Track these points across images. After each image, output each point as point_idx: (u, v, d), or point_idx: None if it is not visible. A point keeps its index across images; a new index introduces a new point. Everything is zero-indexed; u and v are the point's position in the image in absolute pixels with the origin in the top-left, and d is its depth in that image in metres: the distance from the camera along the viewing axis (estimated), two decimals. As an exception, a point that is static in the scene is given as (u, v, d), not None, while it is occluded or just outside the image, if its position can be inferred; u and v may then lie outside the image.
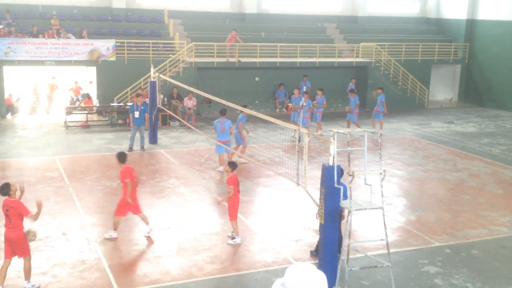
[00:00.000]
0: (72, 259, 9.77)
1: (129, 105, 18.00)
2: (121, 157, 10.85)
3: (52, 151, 17.31)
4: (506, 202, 13.85)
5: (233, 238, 10.69)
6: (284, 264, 9.79)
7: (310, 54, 26.06)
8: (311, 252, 10.24)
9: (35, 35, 22.09)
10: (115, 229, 10.78)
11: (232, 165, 10.86)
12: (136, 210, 10.83)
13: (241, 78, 25.50)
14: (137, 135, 17.66)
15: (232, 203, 10.63)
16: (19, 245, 8.60)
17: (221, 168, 15.31)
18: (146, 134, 18.96)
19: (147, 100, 19.54)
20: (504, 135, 22.00)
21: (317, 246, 10.10)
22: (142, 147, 17.66)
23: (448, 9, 31.42)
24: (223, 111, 15.33)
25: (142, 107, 17.40)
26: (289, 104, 21.29)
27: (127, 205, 10.67)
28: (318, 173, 9.88)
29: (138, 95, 18.06)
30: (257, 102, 25.18)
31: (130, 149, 17.44)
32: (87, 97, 22.84)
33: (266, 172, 15.21)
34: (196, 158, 17.02)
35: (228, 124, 15.20)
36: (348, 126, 20.96)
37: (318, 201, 9.11)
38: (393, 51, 28.03)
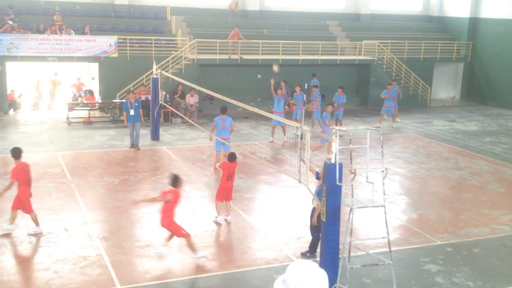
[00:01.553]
0: (74, 255, 9.79)
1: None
2: (15, 153, 10.71)
3: (54, 147, 17.34)
4: (508, 200, 13.84)
5: (216, 217, 11.60)
6: (285, 262, 9.81)
7: (313, 51, 26.03)
8: (303, 253, 10.18)
9: (41, 32, 22.10)
10: (11, 222, 10.70)
11: (231, 155, 11.63)
12: (28, 209, 10.65)
13: (243, 75, 25.49)
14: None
15: (221, 186, 11.63)
16: (173, 230, 9.70)
17: (218, 164, 15.24)
18: (148, 131, 18.99)
19: (149, 97, 19.55)
20: (506, 133, 21.97)
21: (309, 247, 10.09)
22: (136, 145, 17.34)
23: (451, 7, 31.34)
24: (224, 109, 15.20)
25: (136, 104, 17.29)
26: (291, 102, 21.21)
27: (20, 202, 10.60)
28: (320, 172, 9.88)
29: (129, 92, 17.91)
30: (259, 99, 25.16)
31: (132, 145, 17.43)
32: (90, 93, 22.83)
33: (268, 170, 15.22)
34: (198, 155, 17.03)
35: (228, 122, 15.03)
36: (340, 124, 20.21)
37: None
38: (395, 49, 27.99)
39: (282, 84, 20.47)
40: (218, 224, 11.53)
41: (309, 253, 10.05)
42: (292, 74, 25.59)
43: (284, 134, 19.07)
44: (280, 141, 18.92)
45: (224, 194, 11.61)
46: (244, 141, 18.00)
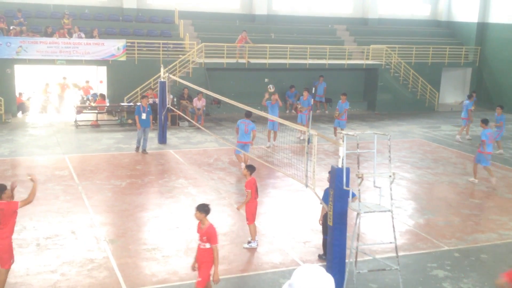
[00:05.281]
0: (81, 258, 9.81)
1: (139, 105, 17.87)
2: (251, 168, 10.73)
3: (62, 150, 17.41)
4: (516, 206, 13.75)
5: (249, 242, 10.62)
6: (291, 266, 9.79)
7: (320, 56, 26.03)
8: (319, 255, 10.20)
9: (50, 35, 22.23)
10: None
11: (250, 168, 10.72)
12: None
13: (251, 79, 25.52)
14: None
15: (249, 207, 10.53)
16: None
17: (242, 165, 15.06)
18: (155, 134, 19.05)
19: (157, 100, 19.60)
20: (515, 139, 21.82)
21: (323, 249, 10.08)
22: (144, 150, 17.35)
23: (459, 12, 31.27)
24: (248, 114, 15.23)
25: (148, 109, 17.30)
26: (298, 105, 21.17)
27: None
28: (326, 175, 9.87)
29: (143, 97, 17.96)
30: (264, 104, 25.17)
31: (137, 149, 17.44)
32: (101, 97, 22.88)
33: (275, 174, 15.21)
34: (204, 158, 17.05)
35: (251, 127, 15.22)
36: (335, 135, 19.67)
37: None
38: (403, 53, 27.94)
39: (273, 93, 19.72)
40: (223, 227, 11.47)
41: (325, 256, 9.93)
42: (299, 79, 25.62)
43: (274, 139, 18.98)
44: (282, 144, 18.91)
45: (255, 212, 10.57)
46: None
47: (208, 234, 8.01)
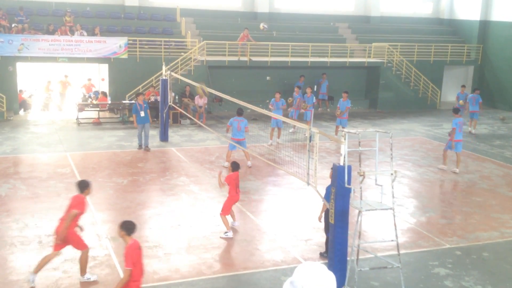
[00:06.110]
0: (83, 255, 9.82)
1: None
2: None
3: (64, 148, 17.43)
4: (518, 204, 13.74)
5: (225, 232, 10.97)
6: (293, 264, 9.79)
7: (322, 53, 26.01)
8: (321, 253, 10.21)
9: (51, 33, 22.24)
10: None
11: (234, 165, 11.20)
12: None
13: (252, 77, 25.52)
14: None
15: (229, 200, 11.04)
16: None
17: (226, 164, 15.58)
18: (157, 132, 19.06)
19: (158, 98, 19.62)
20: (517, 137, 21.79)
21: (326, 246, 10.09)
22: (146, 147, 17.42)
23: (461, 10, 31.21)
24: (240, 111, 15.50)
25: (144, 105, 17.32)
26: (291, 100, 20.91)
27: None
28: (328, 173, 9.88)
29: (138, 94, 17.91)
30: (267, 101, 25.13)
31: (140, 147, 17.49)
32: (103, 94, 22.90)
33: (277, 171, 15.22)
34: (206, 156, 17.06)
35: (244, 124, 15.38)
36: (336, 134, 19.58)
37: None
38: (405, 51, 27.90)
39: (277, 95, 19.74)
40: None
41: (326, 253, 9.95)
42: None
43: (278, 137, 19.03)
44: (284, 142, 18.91)
45: (230, 206, 11.12)
46: (253, 142, 18.00)
47: (125, 254, 7.30)
